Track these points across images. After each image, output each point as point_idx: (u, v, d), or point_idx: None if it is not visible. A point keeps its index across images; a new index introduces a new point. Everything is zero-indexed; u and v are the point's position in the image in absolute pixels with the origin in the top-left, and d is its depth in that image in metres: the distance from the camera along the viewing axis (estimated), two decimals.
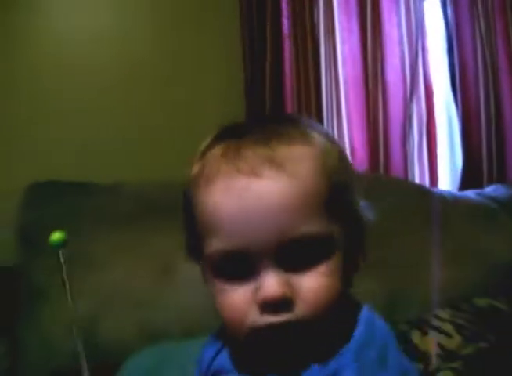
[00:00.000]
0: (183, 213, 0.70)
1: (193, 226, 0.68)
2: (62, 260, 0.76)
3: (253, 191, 0.61)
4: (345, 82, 2.11)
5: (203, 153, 0.67)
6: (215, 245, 0.64)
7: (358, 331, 0.66)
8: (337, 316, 0.65)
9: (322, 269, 0.63)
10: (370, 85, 2.09)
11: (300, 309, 0.62)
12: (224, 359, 0.74)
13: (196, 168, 0.67)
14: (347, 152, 2.10)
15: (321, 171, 0.64)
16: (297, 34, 2.07)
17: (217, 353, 0.76)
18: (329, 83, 2.10)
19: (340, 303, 0.65)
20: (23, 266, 1.75)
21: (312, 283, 0.62)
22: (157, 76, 2.14)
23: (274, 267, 0.62)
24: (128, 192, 1.81)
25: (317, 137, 0.68)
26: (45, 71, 2.12)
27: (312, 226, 0.62)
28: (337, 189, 0.65)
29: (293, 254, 0.62)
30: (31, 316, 1.69)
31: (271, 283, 0.61)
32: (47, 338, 1.64)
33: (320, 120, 2.06)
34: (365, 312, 0.69)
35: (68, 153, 2.07)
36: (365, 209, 0.71)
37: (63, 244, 0.75)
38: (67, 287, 0.76)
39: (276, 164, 0.62)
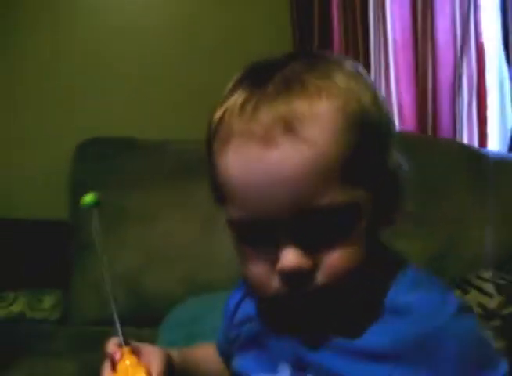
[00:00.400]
0: (208, 161, 0.67)
1: (214, 181, 0.65)
2: (95, 220, 0.76)
3: (265, 162, 0.58)
4: (394, 43, 2.07)
5: (226, 97, 0.63)
6: (231, 213, 0.63)
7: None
8: (365, 279, 0.63)
9: (345, 240, 0.60)
10: (420, 46, 2.05)
11: (319, 281, 0.60)
12: (249, 308, 0.75)
13: (217, 115, 0.63)
14: (395, 113, 2.08)
15: (343, 129, 0.59)
16: None
17: (240, 301, 0.78)
18: (378, 43, 2.07)
19: (372, 264, 0.63)
20: (75, 220, 1.82)
21: (333, 256, 0.60)
22: (209, 42, 2.18)
23: (293, 238, 0.59)
24: (174, 149, 1.85)
25: (344, 83, 0.62)
26: (97, 33, 2.18)
27: (330, 197, 0.58)
28: (364, 143, 0.60)
29: (311, 226, 0.59)
30: (82, 268, 1.76)
31: (288, 254, 0.59)
32: (97, 288, 1.71)
33: None
34: (410, 272, 0.67)
35: (119, 112, 2.15)
36: (402, 162, 0.66)
37: (95, 204, 0.75)
38: (99, 246, 0.76)
39: (292, 129, 0.57)
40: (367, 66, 2.07)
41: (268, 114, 0.58)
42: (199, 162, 1.54)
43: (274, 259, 0.61)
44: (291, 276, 0.60)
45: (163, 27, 2.18)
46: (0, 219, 2.02)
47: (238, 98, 0.61)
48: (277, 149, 0.57)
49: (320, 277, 0.60)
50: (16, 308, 1.80)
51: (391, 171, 0.65)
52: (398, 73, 2.08)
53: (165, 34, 2.17)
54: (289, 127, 0.57)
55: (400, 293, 0.64)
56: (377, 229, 0.65)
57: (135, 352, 0.73)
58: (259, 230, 0.61)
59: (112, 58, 2.16)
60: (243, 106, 0.60)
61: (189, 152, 1.81)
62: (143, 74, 2.16)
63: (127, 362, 0.72)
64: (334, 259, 0.60)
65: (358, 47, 2.06)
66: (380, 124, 0.64)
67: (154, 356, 0.74)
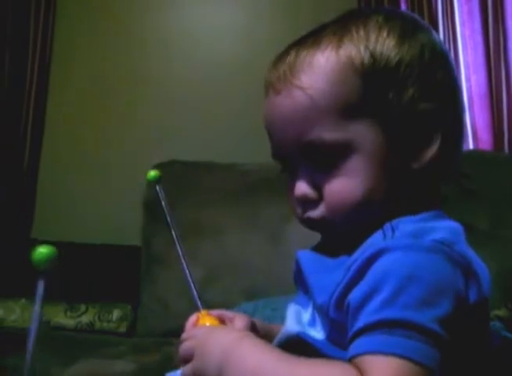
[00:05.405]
0: None
1: None
2: (160, 194, 0.82)
3: (273, 107, 0.70)
4: (466, 66, 2.06)
5: None
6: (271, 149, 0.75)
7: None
8: (377, 215, 0.65)
9: (342, 172, 0.66)
10: (492, 67, 2.02)
11: (323, 209, 0.69)
12: None
13: None
14: (470, 136, 2.05)
15: (343, 78, 0.66)
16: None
17: None
18: None
19: (389, 203, 0.66)
20: (146, 238, 1.88)
21: (332, 186, 0.67)
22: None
23: (303, 172, 0.70)
24: (241, 170, 1.90)
25: (362, 36, 0.67)
26: (175, 63, 2.35)
27: (320, 134, 0.66)
28: (372, 89, 0.65)
29: (313, 160, 0.68)
30: (150, 281, 1.80)
31: (299, 185, 0.70)
32: (163, 301, 1.75)
33: None
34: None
35: (191, 137, 2.26)
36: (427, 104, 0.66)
37: (158, 179, 0.82)
38: (168, 218, 0.81)
39: (290, 79, 0.68)
40: None
41: (279, 67, 0.70)
42: (263, 182, 1.56)
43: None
44: (301, 203, 0.70)
45: (235, 60, 2.29)
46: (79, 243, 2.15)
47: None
48: (279, 95, 0.69)
49: (323, 206, 0.69)
50: (85, 318, 1.85)
51: (408, 110, 0.66)
52: (472, 96, 2.05)
53: (237, 68, 2.28)
54: (289, 77, 0.68)
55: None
56: (402, 169, 0.67)
57: (219, 318, 0.75)
58: (285, 165, 0.73)
59: (188, 91, 2.31)
60: (274, 60, 0.73)
61: (255, 172, 1.86)
62: (215, 104, 2.30)
63: (206, 324, 0.73)
64: (334, 190, 0.67)
65: None
66: (400, 66, 0.66)
67: (238, 319, 0.78)
